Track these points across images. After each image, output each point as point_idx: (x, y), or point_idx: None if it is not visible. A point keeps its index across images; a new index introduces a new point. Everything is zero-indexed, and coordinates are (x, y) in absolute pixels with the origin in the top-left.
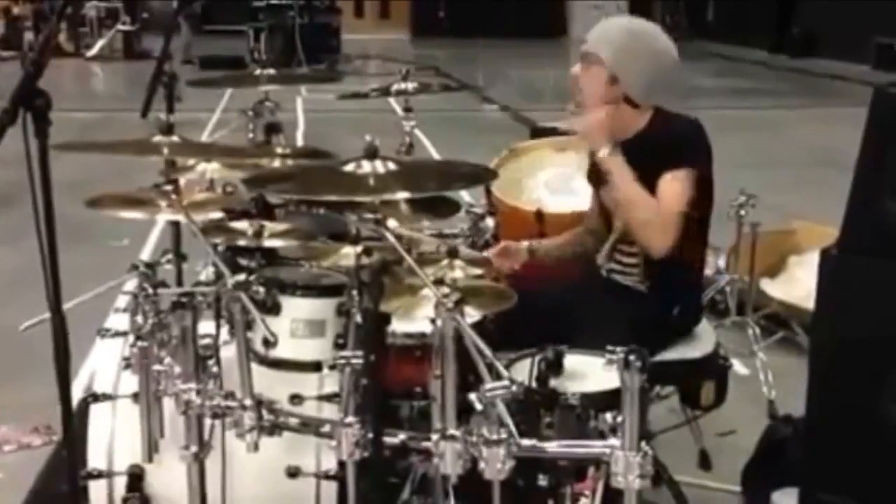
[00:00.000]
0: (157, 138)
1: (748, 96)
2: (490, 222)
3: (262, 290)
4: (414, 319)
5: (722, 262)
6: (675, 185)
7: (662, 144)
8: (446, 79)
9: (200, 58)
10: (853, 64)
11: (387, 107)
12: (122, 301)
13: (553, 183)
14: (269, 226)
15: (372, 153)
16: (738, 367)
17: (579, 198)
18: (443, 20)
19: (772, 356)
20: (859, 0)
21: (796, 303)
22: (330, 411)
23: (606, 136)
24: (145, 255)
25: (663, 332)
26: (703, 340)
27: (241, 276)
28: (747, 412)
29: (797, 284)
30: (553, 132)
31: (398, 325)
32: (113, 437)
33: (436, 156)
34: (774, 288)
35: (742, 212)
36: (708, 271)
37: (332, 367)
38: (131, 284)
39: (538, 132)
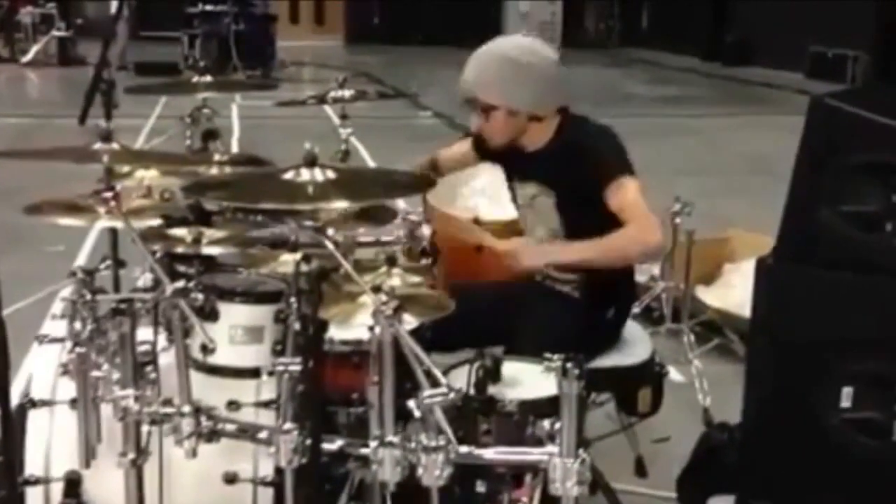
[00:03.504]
0: (97, 145)
1: (682, 104)
2: (426, 230)
3: (200, 296)
4: (352, 326)
5: (657, 270)
6: (627, 194)
7: (580, 150)
8: (379, 85)
9: (135, 64)
10: (787, 72)
11: (321, 113)
12: (59, 307)
13: (489, 190)
14: (208, 233)
15: (311, 161)
16: (674, 374)
17: (515, 205)
18: (377, 26)
19: (707, 363)
20: (793, 9)
21: (731, 310)
22: (267, 417)
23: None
24: (81, 261)
25: (599, 335)
26: (639, 347)
27: (180, 283)
28: (683, 419)
29: (732, 292)
30: None
31: (335, 332)
32: (50, 443)
33: (371, 163)
34: (709, 295)
35: (677, 219)
36: (643, 278)
37: (271, 374)
38: (68, 291)
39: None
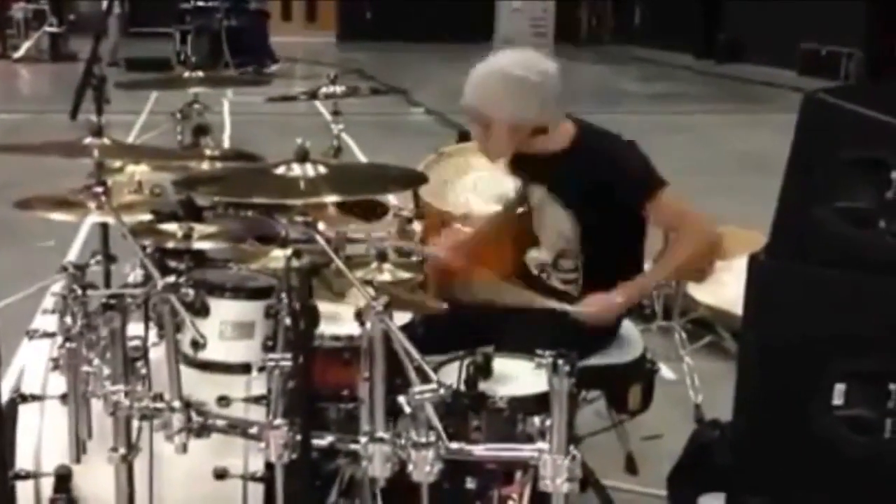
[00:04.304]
0: (88, 140)
1: (674, 101)
2: (417, 226)
3: (190, 291)
4: (342, 322)
5: (648, 267)
6: (670, 207)
7: (605, 160)
8: (371, 81)
9: (127, 59)
10: (779, 69)
11: (313, 109)
12: (49, 302)
13: (481, 186)
14: (199, 228)
15: (302, 156)
16: (665, 371)
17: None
18: (369, 23)
19: (698, 360)
20: (785, 6)
21: (723, 307)
22: (257, 413)
23: (618, 304)
24: (72, 256)
25: (596, 336)
26: (631, 345)
27: (171, 278)
28: (674, 416)
29: (724, 289)
30: None
31: (326, 328)
32: (41, 438)
33: (363, 159)
34: (701, 292)
35: None
36: None
37: (262, 370)
38: (59, 286)
39: (465, 136)
